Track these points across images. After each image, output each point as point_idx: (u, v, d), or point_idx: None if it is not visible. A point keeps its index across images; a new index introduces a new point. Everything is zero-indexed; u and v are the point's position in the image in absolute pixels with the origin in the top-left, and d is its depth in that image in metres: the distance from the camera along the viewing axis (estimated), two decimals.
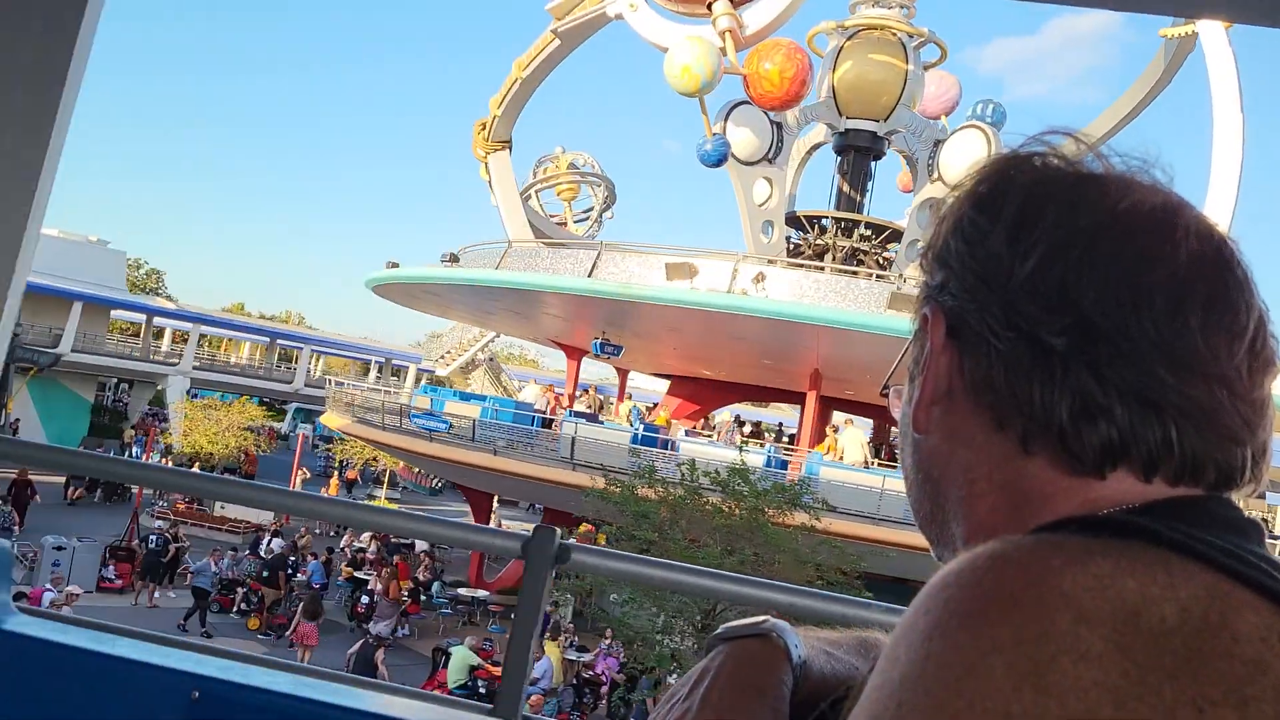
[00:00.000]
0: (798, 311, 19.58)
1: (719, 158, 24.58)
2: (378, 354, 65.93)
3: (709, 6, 22.45)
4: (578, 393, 27.01)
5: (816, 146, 33.92)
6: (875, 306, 20.17)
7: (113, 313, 54.40)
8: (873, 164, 32.46)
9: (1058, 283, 0.64)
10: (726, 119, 27.76)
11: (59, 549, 22.84)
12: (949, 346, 0.70)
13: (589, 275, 22.60)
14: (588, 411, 22.92)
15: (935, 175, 28.99)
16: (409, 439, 23.50)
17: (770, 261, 25.02)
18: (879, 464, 20.49)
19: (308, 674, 1.83)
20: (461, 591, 25.39)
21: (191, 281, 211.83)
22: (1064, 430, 0.64)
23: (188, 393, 49.71)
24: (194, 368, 52.20)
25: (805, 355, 22.77)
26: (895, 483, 17.08)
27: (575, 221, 39.54)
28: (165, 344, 58.67)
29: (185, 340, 57.34)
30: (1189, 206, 0.69)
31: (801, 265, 24.64)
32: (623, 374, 35.86)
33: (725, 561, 14.32)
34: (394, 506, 33.97)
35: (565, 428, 20.89)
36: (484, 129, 29.34)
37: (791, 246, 30.78)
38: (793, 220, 31.51)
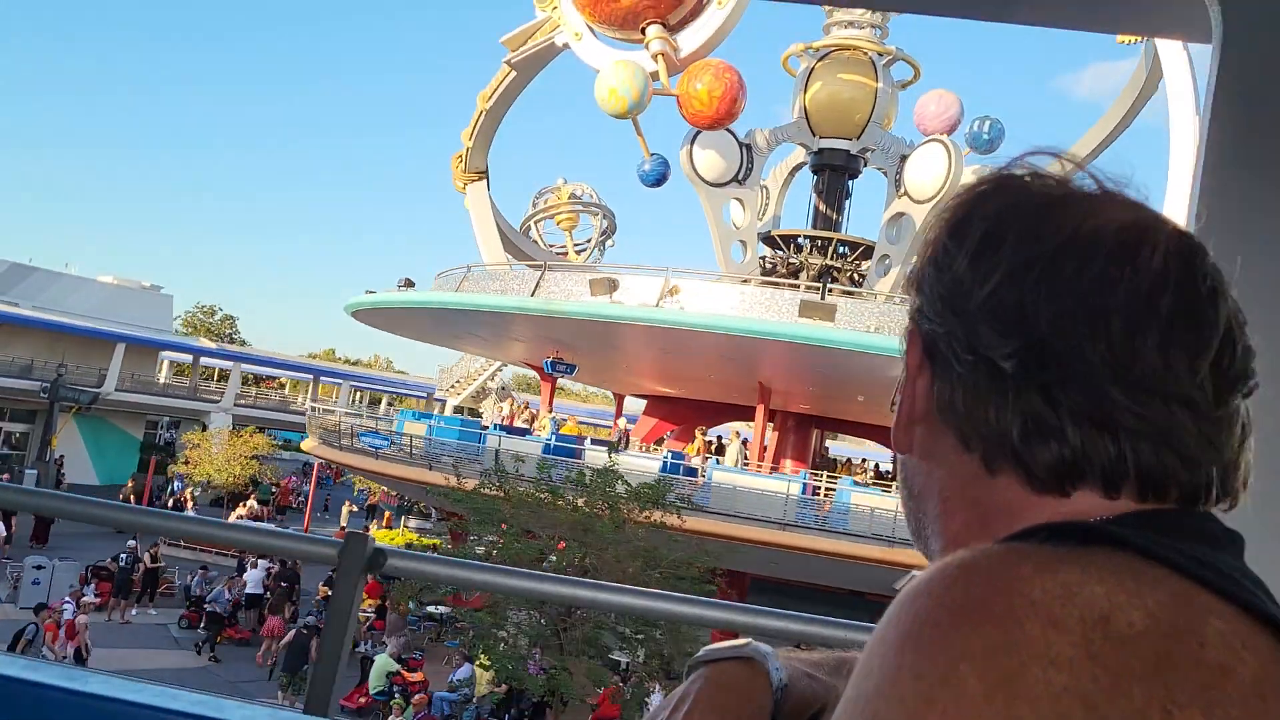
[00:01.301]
0: (703, 321, 19.91)
1: (657, 177, 25.13)
2: (405, 386, 67.86)
3: (642, 31, 23.02)
4: (539, 412, 27.63)
5: (799, 166, 34.16)
6: (791, 315, 20.39)
7: (162, 354, 57.02)
8: (849, 182, 32.63)
9: (1015, 305, 0.65)
10: (692, 142, 28.34)
11: (39, 568, 24.14)
12: (924, 368, 0.72)
13: (532, 294, 23.23)
14: (517, 426, 23.50)
15: (901, 190, 29.02)
16: (359, 457, 24.37)
17: (745, 279, 25.39)
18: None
19: (285, 709, 1.89)
20: (429, 609, 25.99)
21: (286, 328, 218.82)
22: (1017, 451, 0.65)
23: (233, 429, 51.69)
24: (236, 404, 54.13)
25: (745, 369, 23.00)
26: (777, 485, 17.28)
27: (576, 251, 40.28)
28: (232, 384, 60.76)
29: (254, 382, 60.12)
30: (1163, 223, 0.69)
31: (742, 280, 24.88)
32: (619, 399, 36.36)
33: (553, 557, 14.74)
34: (411, 536, 35.06)
35: (489, 440, 21.50)
36: (461, 161, 30.32)
37: (768, 266, 31.06)
38: (769, 240, 31.80)
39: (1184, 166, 24.82)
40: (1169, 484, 0.64)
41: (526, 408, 29.77)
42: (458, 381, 42.48)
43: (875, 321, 20.90)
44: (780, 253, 31.10)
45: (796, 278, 29.74)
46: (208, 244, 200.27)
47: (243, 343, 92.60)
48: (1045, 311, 0.64)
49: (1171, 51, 25.36)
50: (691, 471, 20.23)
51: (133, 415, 51.02)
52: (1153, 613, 0.51)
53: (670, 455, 21.94)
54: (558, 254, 38.76)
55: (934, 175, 27.88)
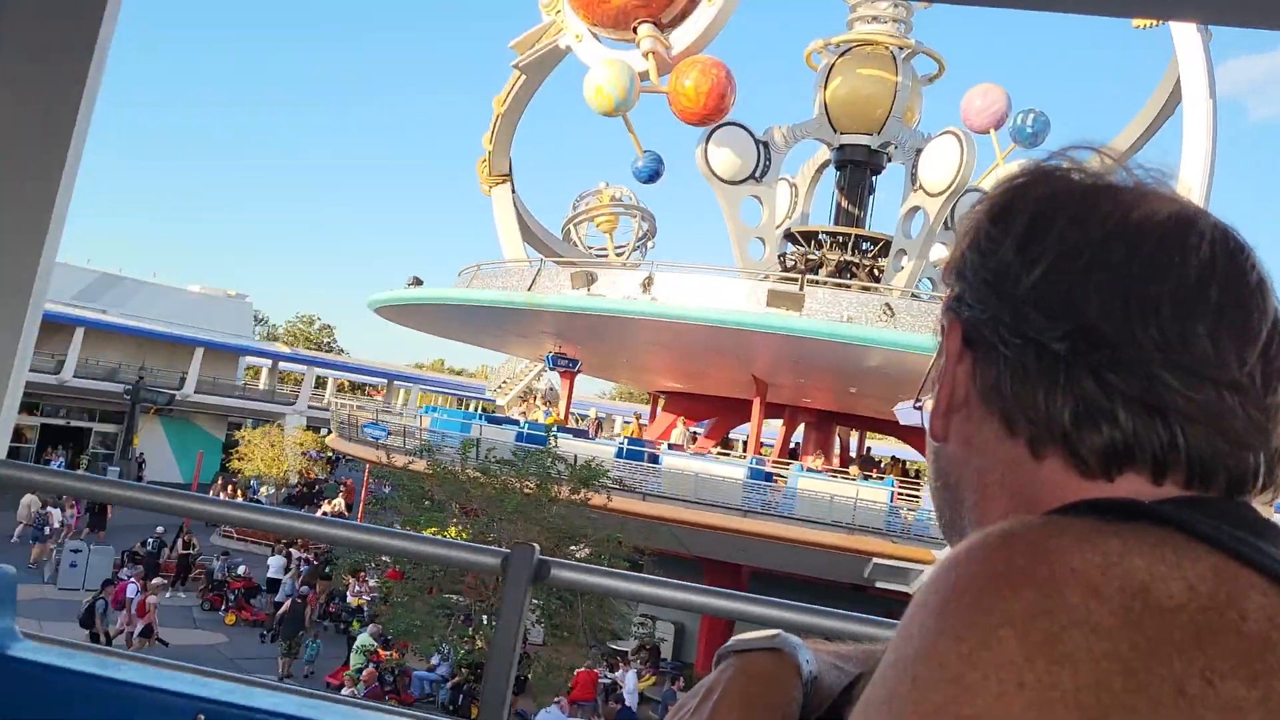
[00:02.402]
0: (668, 311, 20.21)
1: (650, 173, 25.57)
2: (471, 390, 69.35)
3: (634, 30, 23.48)
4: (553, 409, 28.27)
5: (827, 164, 34.08)
6: (759, 306, 20.52)
7: (247, 358, 59.74)
8: (873, 178, 32.44)
9: (1064, 290, 0.66)
10: (707, 140, 28.64)
11: (76, 552, 25.80)
12: (965, 355, 0.72)
13: (529, 290, 23.87)
14: (499, 416, 24.14)
15: (916, 184, 28.77)
16: (363, 449, 25.38)
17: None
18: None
19: (313, 696, 1.89)
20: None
21: (400, 339, 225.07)
22: (1068, 434, 0.65)
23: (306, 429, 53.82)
24: (309, 406, 56.33)
25: (735, 361, 23.18)
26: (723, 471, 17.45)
27: (616, 252, 40.81)
28: (305, 387, 63.06)
29: (351, 389, 62.57)
30: (1205, 215, 0.69)
31: (726, 272, 25.07)
32: (654, 397, 36.75)
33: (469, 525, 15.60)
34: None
35: (472, 430, 22.18)
36: (485, 165, 31.21)
37: (789, 263, 31.09)
38: (790, 236, 31.86)
39: (1198, 152, 24.10)
40: (1217, 469, 0.65)
41: (546, 404, 30.44)
42: (505, 381, 43.42)
43: (848, 312, 20.86)
44: (800, 249, 31.10)
45: (816, 274, 29.74)
46: (319, 259, 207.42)
47: (340, 351, 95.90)
48: (1096, 297, 0.65)
49: (1185, 35, 24.61)
50: (655, 458, 20.55)
51: (215, 417, 53.56)
52: (1193, 585, 0.51)
53: (627, 441, 22.31)
54: (598, 256, 39.37)
55: (947, 167, 27.59)
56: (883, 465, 30.52)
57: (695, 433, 32.03)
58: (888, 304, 20.73)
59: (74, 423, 50.49)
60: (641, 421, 29.06)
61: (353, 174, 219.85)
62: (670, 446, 21.96)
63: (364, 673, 17.68)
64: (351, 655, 20.18)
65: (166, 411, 49.44)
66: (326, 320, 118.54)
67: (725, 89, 23.36)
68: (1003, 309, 0.69)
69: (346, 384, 75.09)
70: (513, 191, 31.66)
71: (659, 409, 34.65)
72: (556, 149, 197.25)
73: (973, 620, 0.51)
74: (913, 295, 24.27)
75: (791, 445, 29.95)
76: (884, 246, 30.46)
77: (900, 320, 19.86)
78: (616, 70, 22.87)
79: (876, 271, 30.03)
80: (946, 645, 0.50)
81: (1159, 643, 0.49)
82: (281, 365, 64.32)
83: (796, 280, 22.43)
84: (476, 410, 39.93)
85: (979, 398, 0.71)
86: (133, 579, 23.09)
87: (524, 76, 27.73)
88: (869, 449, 38.36)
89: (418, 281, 27.45)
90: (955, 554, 0.56)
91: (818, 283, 23.92)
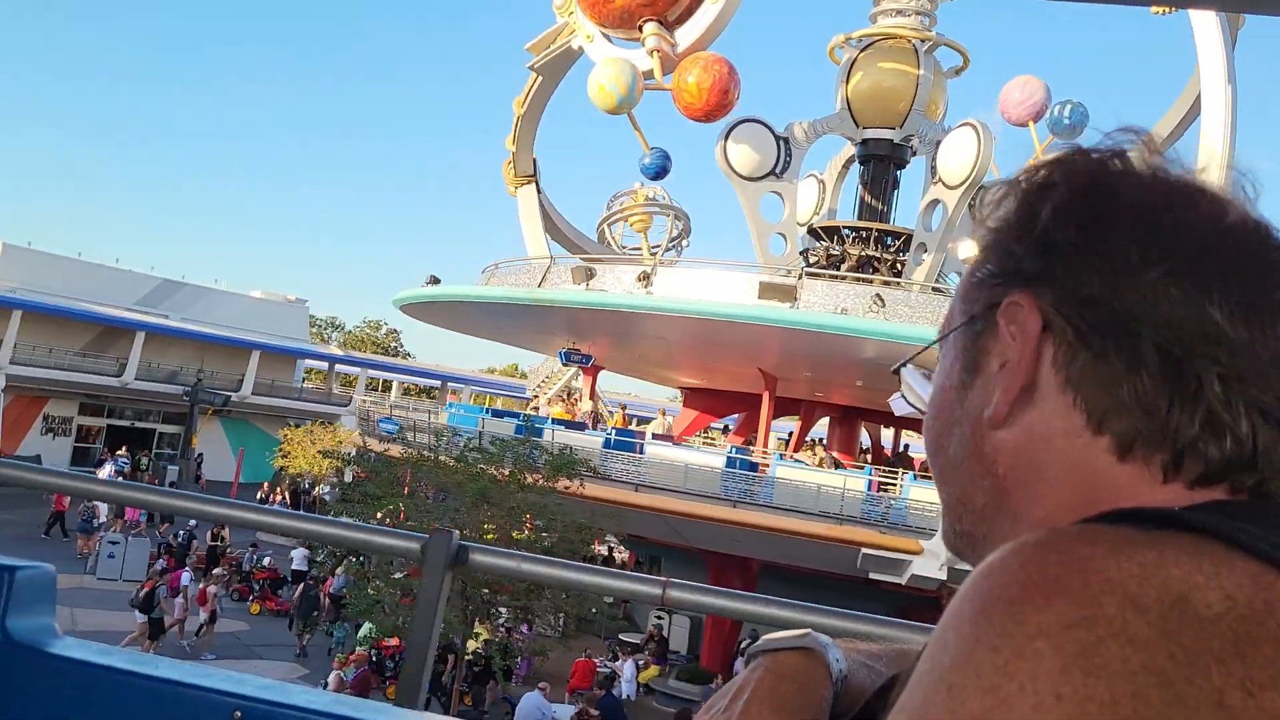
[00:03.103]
0: (661, 305, 20.42)
1: (656, 169, 25.81)
2: (522, 391, 70.27)
3: (640, 28, 23.77)
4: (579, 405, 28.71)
5: (853, 159, 33.89)
6: (748, 298, 20.63)
7: (306, 361, 61.40)
8: (897, 173, 32.20)
9: (1188, 290, 0.63)
10: (726, 137, 28.79)
11: (114, 544, 26.93)
12: (1046, 340, 0.68)
13: (538, 286, 24.30)
14: (503, 410, 24.59)
15: (936, 177, 28.51)
16: (378, 443, 26.04)
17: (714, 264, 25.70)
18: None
19: (348, 695, 2.03)
20: None
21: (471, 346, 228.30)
22: (1185, 442, 0.63)
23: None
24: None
25: (738, 355, 23.29)
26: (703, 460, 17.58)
27: (651, 252, 41.04)
28: (359, 389, 64.49)
29: (426, 393, 64.02)
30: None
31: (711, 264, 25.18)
32: (685, 393, 36.91)
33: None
34: None
35: (479, 424, 22.72)
36: (510, 166, 31.75)
37: (811, 258, 31.02)
38: (814, 232, 31.78)
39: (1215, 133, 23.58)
40: None
41: (576, 402, 30.86)
42: (545, 380, 43.96)
43: (844, 303, 20.83)
44: (823, 244, 31.01)
45: (838, 269, 29.64)
46: (387, 265, 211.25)
47: (406, 355, 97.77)
48: (1222, 302, 0.63)
49: (1203, 20, 24.05)
50: (641, 449, 20.87)
51: (275, 418, 55.15)
52: (1231, 595, 0.50)
53: (615, 432, 22.57)
54: (632, 255, 39.68)
55: (964, 159, 27.32)
56: (920, 466, 30.32)
57: (725, 427, 32.17)
58: (877, 294, 20.67)
59: (139, 424, 52.58)
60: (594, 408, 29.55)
61: (423, 183, 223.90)
62: (654, 436, 22.22)
63: (354, 654, 18.26)
64: (358, 644, 20.82)
65: (225, 413, 51.12)
66: (393, 325, 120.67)
67: (728, 84, 23.46)
68: (1112, 302, 0.66)
69: (414, 388, 76.75)
70: (538, 191, 32.11)
71: (689, 403, 34.86)
72: (582, 148, 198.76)
73: (1008, 630, 0.50)
74: (918, 288, 24.07)
75: (809, 440, 29.84)
76: (907, 240, 30.22)
77: (891, 311, 19.80)
78: (618, 68, 23.18)
79: (899, 266, 29.81)
80: (982, 655, 0.50)
81: (1197, 654, 0.47)
82: (341, 368, 66.10)
83: (790, 273, 22.45)
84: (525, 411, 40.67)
85: (1058, 388, 0.67)
86: (186, 568, 24.13)
87: (540, 78, 28.21)
88: (906, 445, 37.98)
89: (435, 280, 28.11)
90: (989, 563, 0.55)
91: (817, 275, 23.88)
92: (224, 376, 52.06)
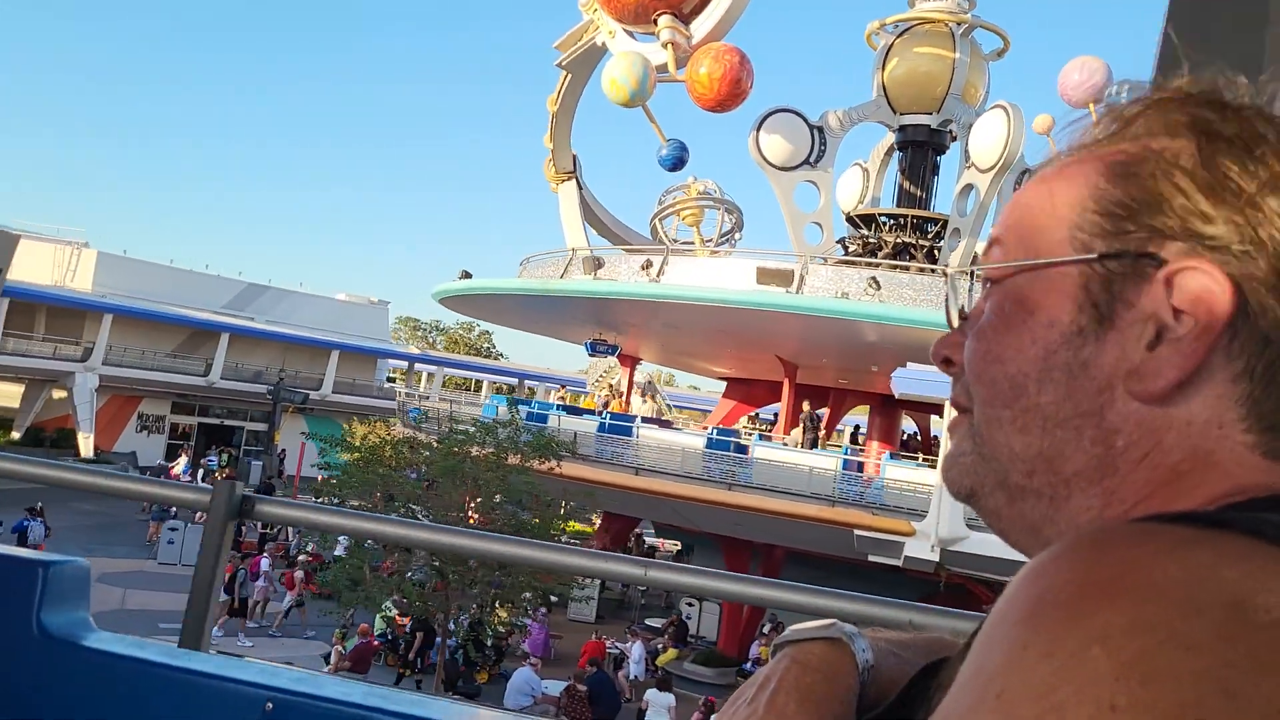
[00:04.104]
0: (664, 292, 20.73)
1: (674, 161, 26.10)
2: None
3: (654, 21, 24.13)
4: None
5: (894, 146, 33.56)
6: (748, 284, 20.77)
7: (389, 361, 63.40)
8: (937, 158, 31.79)
9: None
10: (758, 128, 28.92)
11: (173, 530, 28.46)
12: (1231, 321, 0.60)
13: (560, 277, 24.89)
14: (514, 397, 25.18)
15: (969, 161, 28.09)
16: (408, 431, 26.99)
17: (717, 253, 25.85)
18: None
19: (380, 685, 1.87)
20: None
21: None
22: None
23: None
24: (439, 403, 59.29)
25: (751, 342, 23.44)
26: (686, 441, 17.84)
27: (704, 245, 41.29)
28: (435, 387, 66.01)
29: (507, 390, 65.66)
30: None
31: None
32: (728, 384, 37.12)
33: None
34: None
35: (498, 411, 23.44)
36: (550, 164, 32.39)
37: (849, 246, 30.87)
38: (850, 220, 31.61)
39: None
40: None
41: (617, 394, 31.43)
42: (604, 373, 44.60)
43: (843, 288, 20.79)
44: (860, 232, 30.83)
45: (875, 256, 29.44)
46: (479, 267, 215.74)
47: (498, 356, 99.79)
48: None
49: None
50: (631, 431, 21.35)
51: (357, 415, 57.12)
52: None
53: (610, 417, 22.91)
54: (685, 248, 40.02)
55: (994, 142, 26.88)
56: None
57: (756, 416, 32.22)
58: (873, 278, 20.55)
59: (228, 422, 55.14)
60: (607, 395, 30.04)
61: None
62: (644, 420, 22.54)
63: (359, 627, 19.10)
64: (375, 623, 21.65)
65: (307, 410, 53.20)
66: (485, 328, 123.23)
67: (739, 74, 23.58)
68: None
69: (505, 387, 78.37)
70: (580, 188, 32.67)
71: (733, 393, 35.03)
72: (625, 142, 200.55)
73: (1061, 634, 0.48)
74: (932, 271, 23.81)
75: (847, 429, 29.69)
76: (943, 226, 29.85)
77: (888, 294, 19.66)
78: (629, 62, 23.54)
79: (935, 252, 29.46)
80: (1034, 660, 0.48)
81: (1256, 660, 0.45)
82: (420, 367, 67.96)
83: (792, 258, 22.48)
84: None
85: (1229, 378, 0.61)
86: (266, 554, 25.44)
87: (570, 75, 28.73)
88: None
89: (466, 274, 28.94)
90: (1041, 561, 0.53)
91: (824, 260, 23.85)
92: (306, 376, 54.23)
